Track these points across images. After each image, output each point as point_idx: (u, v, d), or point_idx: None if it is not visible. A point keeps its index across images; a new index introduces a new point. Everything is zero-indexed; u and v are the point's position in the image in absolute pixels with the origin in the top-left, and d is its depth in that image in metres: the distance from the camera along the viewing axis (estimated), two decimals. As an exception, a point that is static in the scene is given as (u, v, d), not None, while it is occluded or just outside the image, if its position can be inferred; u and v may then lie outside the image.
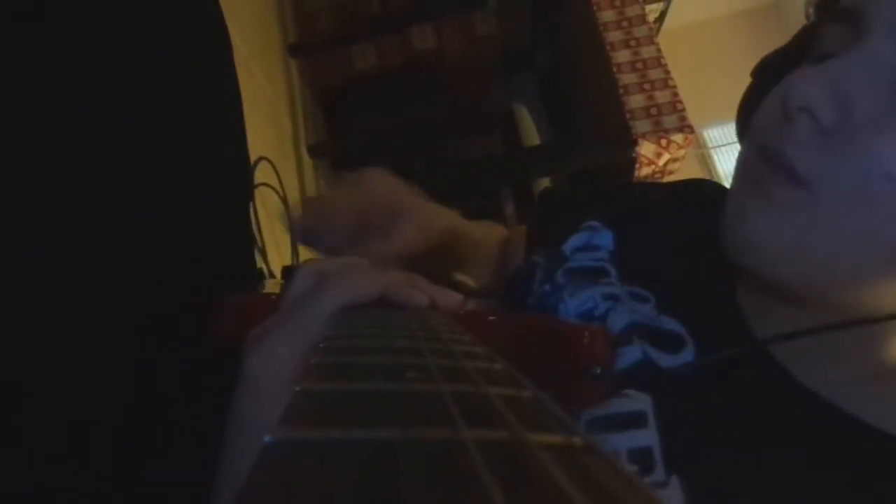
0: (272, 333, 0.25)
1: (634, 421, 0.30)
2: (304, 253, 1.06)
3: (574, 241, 0.41)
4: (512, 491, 0.08)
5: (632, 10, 1.57)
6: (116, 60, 0.35)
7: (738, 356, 0.31)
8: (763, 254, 0.30)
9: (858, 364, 0.30)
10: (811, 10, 0.33)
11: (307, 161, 1.58)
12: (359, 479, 0.08)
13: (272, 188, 1.16)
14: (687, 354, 0.33)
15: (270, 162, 1.14)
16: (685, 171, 1.45)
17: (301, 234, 0.47)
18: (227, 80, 0.48)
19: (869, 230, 0.26)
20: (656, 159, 1.40)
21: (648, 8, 2.05)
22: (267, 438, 0.08)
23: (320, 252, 0.46)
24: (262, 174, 1.12)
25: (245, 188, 0.57)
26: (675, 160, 1.42)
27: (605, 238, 0.41)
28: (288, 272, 0.40)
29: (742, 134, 0.35)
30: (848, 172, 0.26)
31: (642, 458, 0.29)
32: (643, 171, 1.43)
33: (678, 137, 1.38)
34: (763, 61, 0.36)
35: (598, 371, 0.27)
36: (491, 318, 0.30)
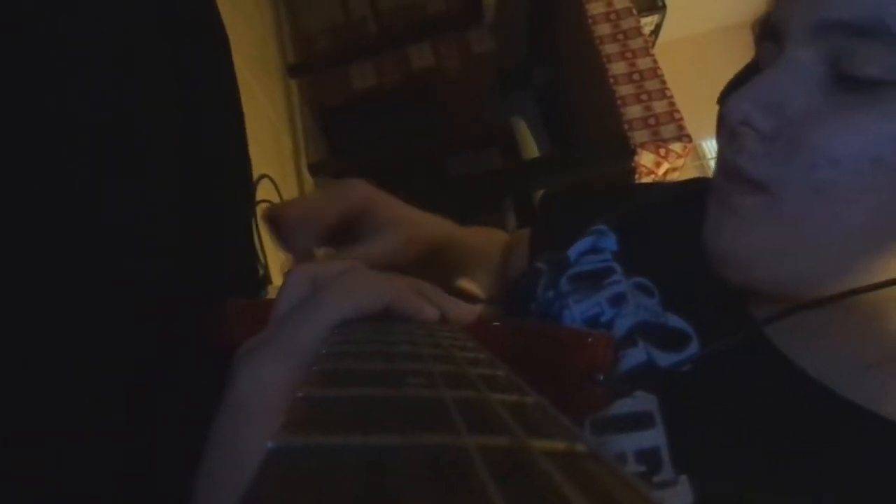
0: (260, 353, 0.23)
1: (641, 422, 0.30)
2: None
3: (580, 245, 0.41)
4: (514, 497, 0.08)
5: (627, 23, 1.58)
6: (112, 61, 0.35)
7: (738, 347, 0.31)
8: (743, 266, 0.31)
9: (862, 350, 0.30)
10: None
11: (308, 179, 1.59)
12: (361, 485, 0.08)
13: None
14: (692, 352, 0.33)
15: (272, 180, 1.15)
16: (685, 180, 1.45)
17: (279, 234, 0.41)
18: (227, 88, 0.47)
19: (833, 217, 0.28)
20: (656, 169, 1.40)
21: (643, 20, 2.07)
22: (269, 444, 0.08)
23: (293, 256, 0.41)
24: (263, 192, 1.12)
25: (247, 192, 0.55)
26: (674, 169, 1.43)
27: (611, 241, 0.41)
28: None
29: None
30: (796, 168, 0.28)
31: (650, 458, 0.29)
32: (643, 181, 1.44)
33: (677, 146, 1.39)
34: (724, 88, 0.37)
35: (601, 377, 0.27)
36: (494, 324, 0.30)
